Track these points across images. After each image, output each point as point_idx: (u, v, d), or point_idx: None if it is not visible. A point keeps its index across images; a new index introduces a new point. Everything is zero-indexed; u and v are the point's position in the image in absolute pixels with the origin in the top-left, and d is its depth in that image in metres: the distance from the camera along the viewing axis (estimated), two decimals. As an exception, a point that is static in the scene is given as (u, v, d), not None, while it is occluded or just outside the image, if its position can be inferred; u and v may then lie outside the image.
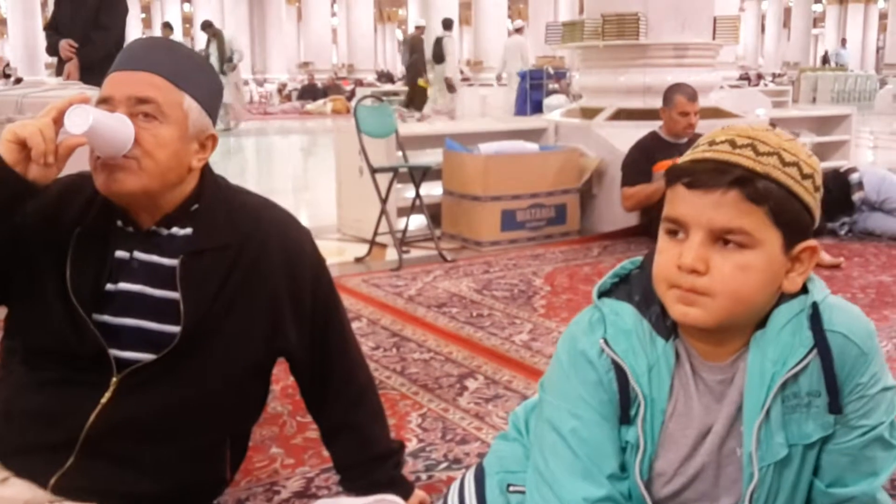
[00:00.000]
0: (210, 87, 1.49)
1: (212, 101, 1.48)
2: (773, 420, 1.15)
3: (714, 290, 1.08)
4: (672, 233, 1.12)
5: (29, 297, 1.42)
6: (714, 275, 1.08)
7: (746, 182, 1.06)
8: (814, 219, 1.11)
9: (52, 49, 5.76)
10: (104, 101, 1.38)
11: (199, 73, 1.47)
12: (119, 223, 1.45)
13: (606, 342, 1.18)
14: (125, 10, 5.80)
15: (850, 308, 1.19)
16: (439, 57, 13.73)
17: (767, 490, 1.17)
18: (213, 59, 12.76)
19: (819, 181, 1.11)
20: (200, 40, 29.56)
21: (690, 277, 1.08)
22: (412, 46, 14.45)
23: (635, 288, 1.22)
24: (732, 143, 1.09)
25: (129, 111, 1.36)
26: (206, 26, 13.83)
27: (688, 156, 1.13)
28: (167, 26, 15.91)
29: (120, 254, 1.43)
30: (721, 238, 1.08)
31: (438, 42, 13.85)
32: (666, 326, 1.18)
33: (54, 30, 5.80)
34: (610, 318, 1.20)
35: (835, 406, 1.14)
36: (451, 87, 13.89)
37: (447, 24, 14.04)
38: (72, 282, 1.39)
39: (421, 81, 14.12)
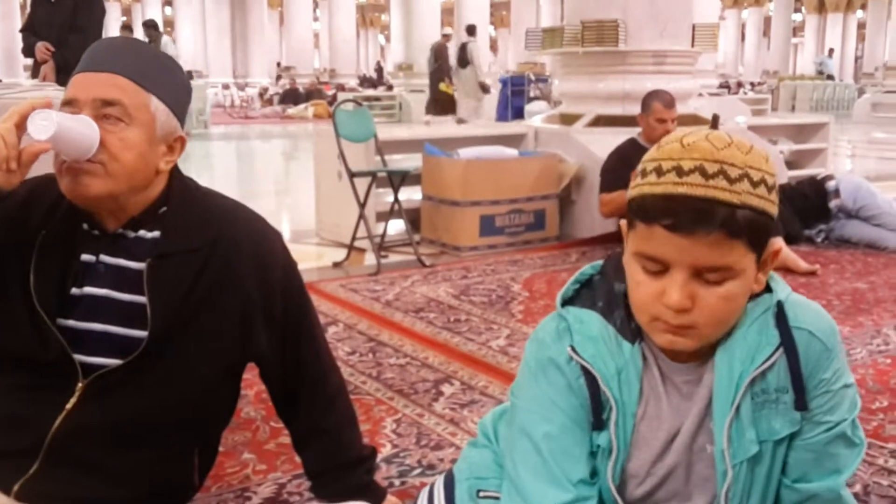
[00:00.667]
0: (177, 88, 1.46)
1: (179, 103, 1.45)
2: (743, 417, 1.16)
3: (700, 322, 1.09)
4: (650, 270, 1.10)
5: None
6: (700, 308, 1.08)
7: (728, 220, 1.04)
8: (774, 221, 1.11)
9: (28, 51, 5.71)
10: (68, 104, 1.35)
11: (165, 74, 1.44)
12: (84, 226, 1.42)
13: (574, 350, 1.19)
14: (102, 12, 5.77)
15: (812, 305, 1.21)
16: (464, 62, 13.84)
17: (742, 487, 1.18)
18: None
19: (777, 183, 1.11)
20: (182, 43, 29.49)
21: (678, 315, 1.08)
22: (437, 53, 14.60)
23: (598, 294, 1.23)
24: (703, 173, 1.05)
25: (94, 114, 1.33)
26: (149, 26, 13.33)
27: (656, 185, 1.07)
28: (126, 28, 15.62)
29: (86, 257, 1.41)
30: (703, 275, 1.07)
31: (463, 48, 14.00)
32: (631, 329, 1.19)
33: (31, 31, 5.76)
34: (575, 326, 1.20)
35: (801, 402, 1.16)
36: (484, 89, 13.98)
37: (471, 31, 14.19)
38: (35, 286, 1.37)
39: (443, 86, 14.22)
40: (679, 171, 1.06)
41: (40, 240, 1.39)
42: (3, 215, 1.38)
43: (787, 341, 1.15)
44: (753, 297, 1.16)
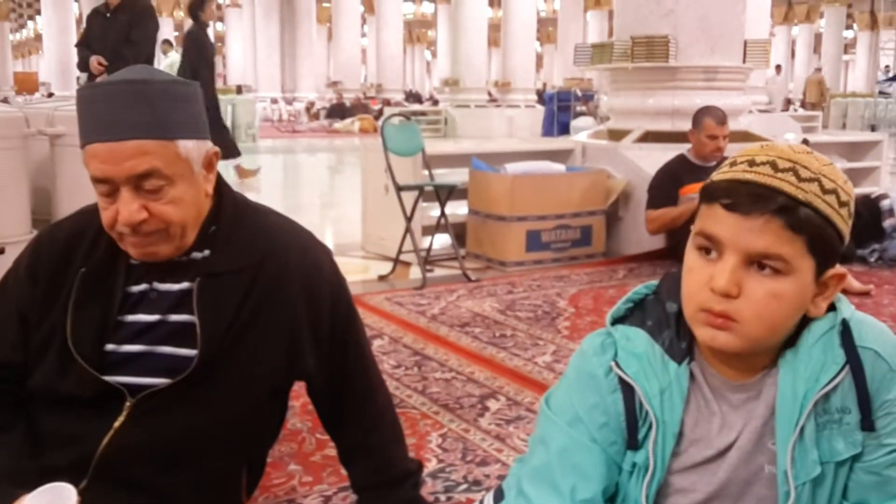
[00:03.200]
0: (195, 112, 1.39)
1: (200, 123, 1.39)
2: (806, 437, 1.13)
3: (745, 315, 1.06)
4: (704, 249, 1.10)
5: (35, 340, 1.41)
6: (746, 299, 1.06)
7: (789, 210, 1.04)
8: (844, 245, 1.10)
9: (83, 64, 5.83)
10: (103, 182, 1.31)
11: (179, 106, 1.35)
12: (134, 260, 1.41)
13: (617, 364, 1.18)
14: (156, 27, 5.89)
15: (877, 324, 1.18)
16: None
17: None
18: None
19: (853, 208, 1.10)
20: (233, 58, 29.92)
21: (723, 301, 1.06)
22: None
23: (649, 313, 1.21)
24: (774, 166, 1.06)
25: (133, 187, 1.31)
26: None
27: (726, 173, 1.10)
28: (168, 43, 15.70)
29: (137, 288, 1.41)
30: (756, 262, 1.06)
31: None
32: (680, 349, 1.17)
33: (86, 45, 5.88)
34: (621, 342, 1.19)
35: (867, 423, 1.13)
36: None
37: None
38: (72, 324, 1.37)
39: None
40: (751, 163, 1.08)
41: (80, 277, 1.39)
42: (46, 262, 1.40)
43: (854, 361, 1.12)
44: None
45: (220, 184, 1.47)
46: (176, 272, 1.42)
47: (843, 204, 1.07)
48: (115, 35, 5.65)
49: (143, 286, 1.41)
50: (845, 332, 1.14)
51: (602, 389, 1.18)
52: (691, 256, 1.12)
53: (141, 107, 1.31)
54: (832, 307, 1.15)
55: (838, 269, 1.12)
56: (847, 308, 1.16)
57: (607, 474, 1.19)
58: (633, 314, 1.23)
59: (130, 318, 1.40)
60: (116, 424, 1.36)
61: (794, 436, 1.12)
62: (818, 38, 34.34)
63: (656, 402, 1.16)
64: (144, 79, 1.35)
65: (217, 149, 1.45)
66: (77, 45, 6.13)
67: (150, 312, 1.40)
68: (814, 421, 1.13)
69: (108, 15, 5.75)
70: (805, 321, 1.14)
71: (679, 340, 1.17)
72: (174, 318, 1.40)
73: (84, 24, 6.33)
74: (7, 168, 3.52)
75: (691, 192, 4.40)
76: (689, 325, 1.13)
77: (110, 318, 1.39)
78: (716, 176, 1.11)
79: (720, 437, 1.18)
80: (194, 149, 1.37)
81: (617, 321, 1.23)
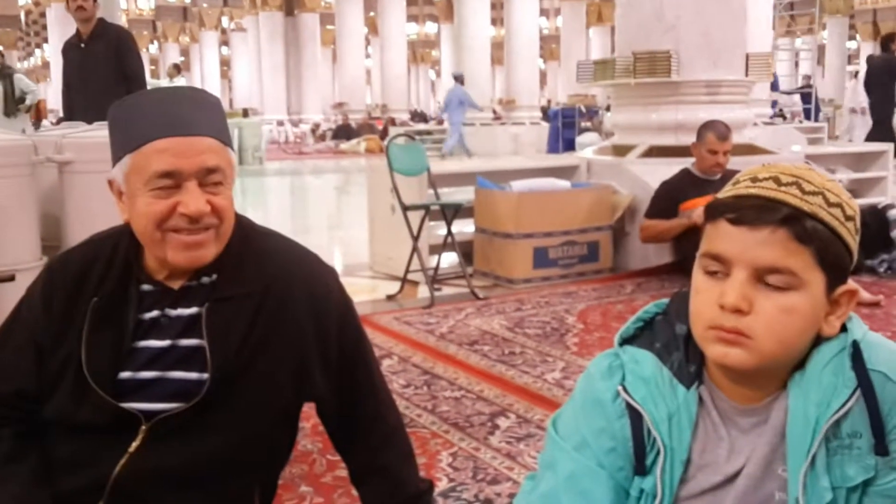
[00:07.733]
0: (228, 127, 1.49)
1: (231, 141, 1.49)
2: (818, 464, 1.10)
3: (756, 331, 1.05)
4: (711, 272, 1.09)
5: (50, 369, 1.42)
6: (757, 315, 1.05)
7: (794, 221, 1.03)
8: (853, 261, 1.09)
9: (69, 111, 5.55)
10: (168, 176, 1.33)
11: (223, 119, 1.45)
12: (146, 287, 1.43)
13: (625, 389, 1.16)
14: (140, 55, 5.80)
15: (890, 345, 1.15)
16: None
17: None
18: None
19: (858, 223, 1.10)
20: (238, 81, 30.07)
21: (733, 317, 1.05)
22: None
23: (658, 334, 1.19)
24: (777, 181, 1.06)
25: (199, 182, 1.34)
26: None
27: (729, 191, 1.10)
28: (176, 67, 15.47)
29: (150, 315, 1.42)
30: (764, 278, 1.05)
31: None
32: (689, 373, 1.15)
33: (65, 83, 5.67)
34: (629, 365, 1.18)
35: (881, 447, 1.10)
36: None
37: None
38: (87, 353, 1.38)
39: None
40: (753, 179, 1.08)
41: (92, 307, 1.40)
42: (60, 291, 1.41)
43: (865, 384, 1.09)
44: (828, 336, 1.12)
45: None
46: (186, 297, 1.43)
47: (848, 218, 1.07)
48: (94, 65, 5.41)
49: (154, 313, 1.42)
50: (856, 354, 1.11)
51: (609, 414, 1.16)
52: (698, 278, 1.11)
53: (208, 111, 1.41)
54: (844, 328, 1.13)
55: (850, 285, 1.10)
56: (858, 329, 1.13)
57: (615, 500, 1.17)
58: (643, 334, 1.21)
59: (142, 343, 1.41)
60: (131, 449, 1.37)
61: (805, 463, 1.10)
62: (821, 49, 34.38)
63: (664, 429, 1.14)
64: (203, 90, 1.48)
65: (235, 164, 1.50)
66: (63, 88, 5.75)
67: (161, 338, 1.42)
68: (824, 447, 1.10)
69: (83, 45, 5.54)
70: (815, 342, 1.12)
71: (688, 363, 1.15)
72: (184, 342, 1.41)
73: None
74: (16, 195, 3.55)
75: (694, 206, 4.40)
76: (700, 344, 1.11)
77: (124, 346, 1.40)
78: (719, 195, 1.11)
79: (728, 463, 1.16)
80: (234, 161, 1.44)
81: (626, 341, 1.22)
